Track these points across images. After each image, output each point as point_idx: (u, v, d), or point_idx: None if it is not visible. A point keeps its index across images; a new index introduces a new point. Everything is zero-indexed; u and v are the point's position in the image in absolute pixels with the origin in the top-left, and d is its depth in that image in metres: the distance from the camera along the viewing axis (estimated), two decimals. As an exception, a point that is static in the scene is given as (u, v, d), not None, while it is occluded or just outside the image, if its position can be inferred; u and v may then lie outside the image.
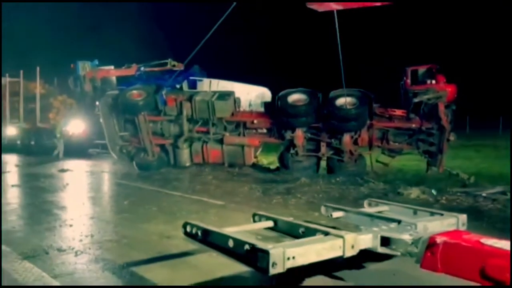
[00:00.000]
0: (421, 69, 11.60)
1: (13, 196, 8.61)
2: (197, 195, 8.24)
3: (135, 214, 6.58)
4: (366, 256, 4.02)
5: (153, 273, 3.89)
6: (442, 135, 10.61)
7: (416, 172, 11.68)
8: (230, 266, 3.43)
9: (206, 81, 13.27)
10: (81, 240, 5.00)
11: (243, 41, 33.31)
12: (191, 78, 13.35)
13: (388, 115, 11.18)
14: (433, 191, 8.22)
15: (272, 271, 2.72)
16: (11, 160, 16.51)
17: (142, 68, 14.16)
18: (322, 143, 11.31)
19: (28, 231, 5.62)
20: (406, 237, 3.26)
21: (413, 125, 10.91)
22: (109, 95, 12.49)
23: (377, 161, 11.44)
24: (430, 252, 2.98)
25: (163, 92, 11.81)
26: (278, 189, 8.86)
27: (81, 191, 9.39)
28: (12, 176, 11.94)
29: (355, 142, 11.15)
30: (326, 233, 3.28)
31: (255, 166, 12.38)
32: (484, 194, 8.13)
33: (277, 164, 12.13)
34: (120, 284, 3.68)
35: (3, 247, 4.70)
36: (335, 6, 3.69)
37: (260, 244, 2.86)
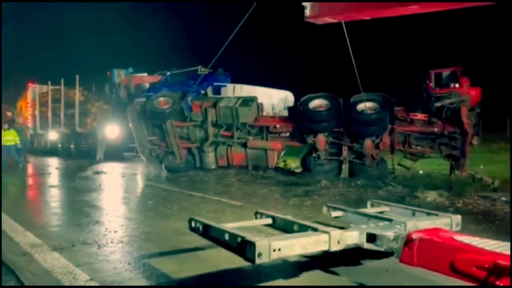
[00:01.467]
0: (445, 72, 11.36)
1: (50, 196, 9.35)
2: (217, 196, 8.64)
3: (157, 213, 7.06)
4: (366, 254, 4.28)
5: (163, 264, 4.28)
6: (464, 139, 10.54)
7: (443, 176, 11.65)
8: (234, 260, 3.75)
9: (230, 86, 13.69)
10: (105, 235, 5.49)
11: (266, 44, 33.55)
12: (215, 84, 13.77)
13: (410, 119, 11.21)
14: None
15: (258, 260, 3.05)
16: (52, 163, 17.62)
17: (168, 73, 14.65)
18: (344, 147, 11.48)
19: (60, 226, 6.18)
20: (389, 233, 3.49)
21: (435, 129, 10.88)
22: (137, 102, 13.09)
23: (399, 164, 11.49)
24: (408, 248, 3.21)
25: (189, 99, 12.31)
26: (297, 192, 9.13)
27: (112, 192, 10.01)
28: (52, 177, 12.83)
29: (377, 146, 11.25)
30: (316, 229, 3.57)
31: (279, 169, 12.69)
32: (504, 198, 8.08)
33: (303, 168, 12.39)
34: (132, 274, 4.09)
35: (37, 239, 5.26)
36: (328, 19, 3.96)
37: (249, 237, 3.19)
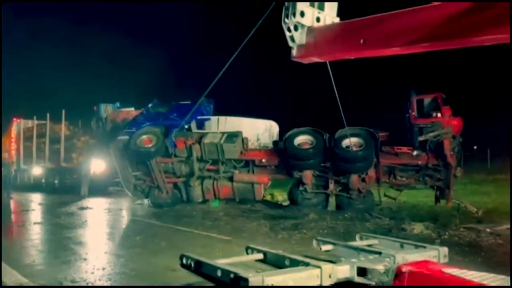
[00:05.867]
0: (427, 99, 11.53)
1: (35, 233, 9.16)
2: (206, 231, 8.60)
3: (145, 248, 6.98)
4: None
5: (154, 302, 4.24)
6: (448, 171, 10.78)
7: (428, 207, 11.81)
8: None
9: (214, 119, 13.52)
10: (93, 273, 5.41)
11: (251, 74, 33.69)
12: (199, 117, 13.61)
13: (394, 152, 11.43)
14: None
15: (252, 296, 3.06)
16: (36, 199, 17.28)
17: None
18: (330, 180, 11.59)
19: (46, 265, 6.06)
20: (380, 267, 3.53)
21: (420, 162, 11.10)
22: (120, 140, 12.86)
23: (385, 195, 11.64)
24: (398, 281, 3.26)
25: (173, 136, 12.24)
26: (285, 225, 9.14)
27: (98, 228, 9.87)
28: (35, 214, 12.59)
29: (363, 180, 11.39)
30: (307, 264, 3.61)
31: (266, 201, 12.69)
32: (488, 230, 8.23)
33: (290, 201, 12.38)
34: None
35: (23, 279, 5.15)
36: (315, 59, 4.14)
37: (242, 273, 3.21)
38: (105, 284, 4.93)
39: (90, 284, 4.90)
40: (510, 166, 12.57)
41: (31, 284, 4.90)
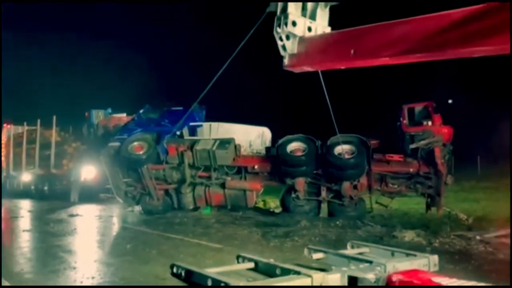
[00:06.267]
0: (418, 107, 11.62)
1: (23, 241, 9.05)
2: (197, 239, 8.55)
3: (136, 257, 6.92)
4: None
5: (144, 311, 4.20)
6: (439, 179, 10.85)
7: (419, 215, 11.86)
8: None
9: (206, 125, 13.44)
10: (82, 282, 5.35)
11: (243, 81, 33.66)
12: (191, 124, 13.46)
13: (386, 160, 11.48)
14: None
15: (242, 306, 3.04)
16: (25, 206, 17.07)
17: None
18: (322, 187, 11.62)
19: (35, 273, 6.00)
20: (370, 276, 3.54)
21: (411, 170, 11.16)
22: (111, 147, 12.70)
23: (376, 202, 11.67)
24: (389, 290, 3.27)
25: (164, 142, 12.16)
26: (277, 233, 9.12)
27: (88, 236, 9.77)
28: (24, 221, 12.44)
29: (355, 187, 11.43)
30: (298, 273, 3.60)
31: (258, 208, 12.65)
32: (478, 237, 8.29)
33: (282, 208, 12.36)
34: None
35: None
36: (306, 68, 4.16)
37: (233, 282, 3.19)
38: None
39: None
40: (510, 171, 12.59)
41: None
